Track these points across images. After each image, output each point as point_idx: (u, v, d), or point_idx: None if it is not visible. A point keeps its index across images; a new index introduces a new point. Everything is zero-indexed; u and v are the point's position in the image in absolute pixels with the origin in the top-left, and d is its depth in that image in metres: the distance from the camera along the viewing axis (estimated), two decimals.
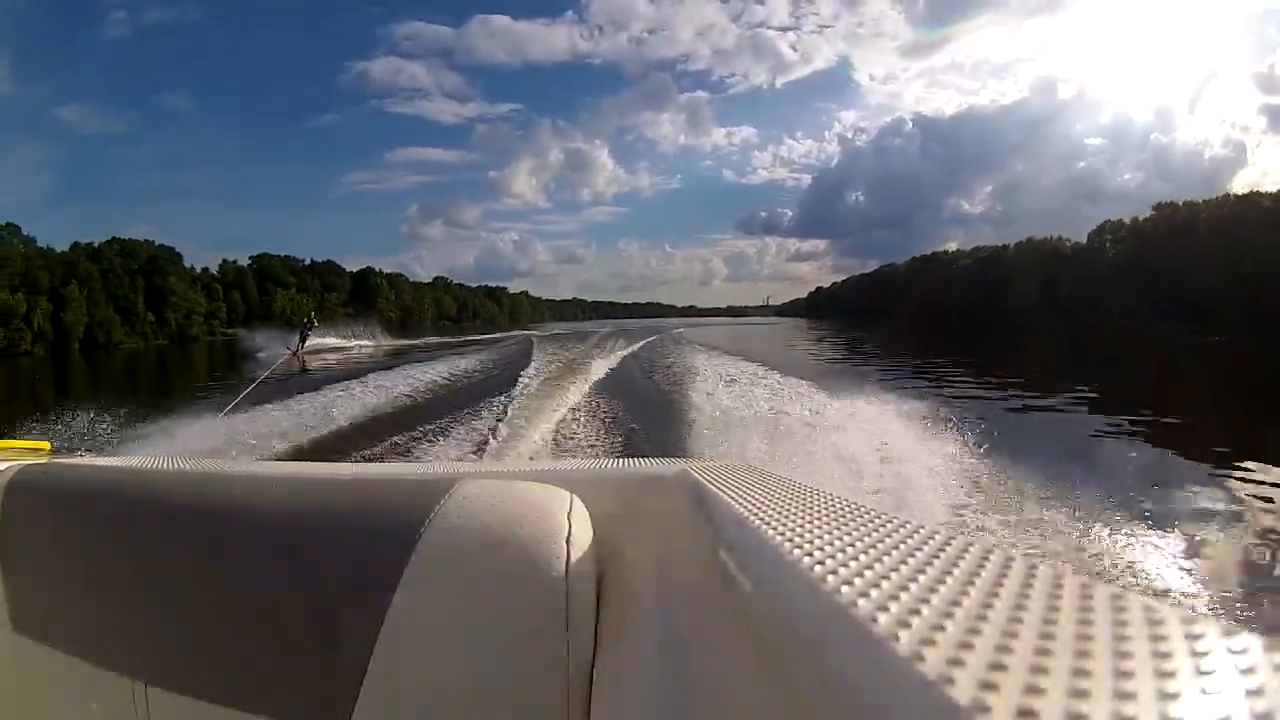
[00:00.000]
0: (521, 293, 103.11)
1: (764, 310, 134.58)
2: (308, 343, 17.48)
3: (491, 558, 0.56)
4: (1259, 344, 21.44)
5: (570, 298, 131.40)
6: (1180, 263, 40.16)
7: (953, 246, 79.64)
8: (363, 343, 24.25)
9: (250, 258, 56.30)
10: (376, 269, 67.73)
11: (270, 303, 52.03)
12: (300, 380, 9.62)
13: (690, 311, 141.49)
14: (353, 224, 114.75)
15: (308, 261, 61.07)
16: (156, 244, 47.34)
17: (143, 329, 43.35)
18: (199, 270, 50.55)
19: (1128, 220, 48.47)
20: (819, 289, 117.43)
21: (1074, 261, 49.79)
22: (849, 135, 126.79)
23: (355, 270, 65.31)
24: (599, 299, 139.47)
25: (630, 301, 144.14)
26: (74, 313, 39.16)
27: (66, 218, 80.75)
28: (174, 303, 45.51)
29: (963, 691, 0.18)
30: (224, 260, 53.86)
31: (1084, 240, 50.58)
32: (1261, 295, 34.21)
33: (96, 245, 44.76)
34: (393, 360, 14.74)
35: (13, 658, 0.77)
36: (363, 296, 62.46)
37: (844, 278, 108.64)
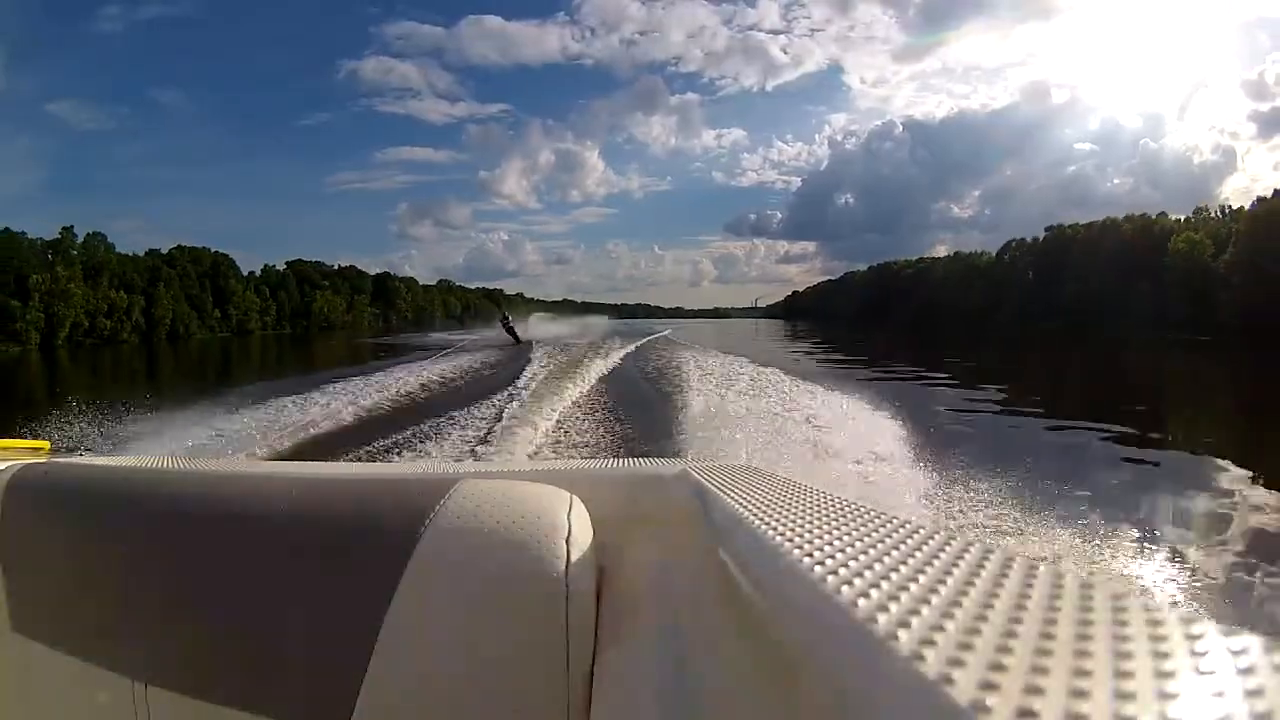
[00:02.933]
0: (517, 294, 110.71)
1: (751, 312, 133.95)
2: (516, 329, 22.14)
3: (491, 558, 0.56)
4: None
5: (561, 298, 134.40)
6: (1056, 276, 50.15)
7: (941, 250, 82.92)
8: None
9: (286, 263, 64.80)
10: (393, 273, 76.58)
11: (310, 303, 60.71)
12: (300, 380, 10.22)
13: (678, 313, 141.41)
14: (342, 222, 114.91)
15: (336, 266, 69.74)
16: (214, 251, 55.91)
17: (210, 323, 51.94)
18: (245, 274, 59.08)
19: (1029, 240, 58.46)
20: (795, 292, 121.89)
21: (986, 273, 59.71)
22: (839, 138, 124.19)
23: (374, 274, 73.99)
24: (588, 300, 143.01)
25: (619, 303, 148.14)
26: (162, 308, 47.83)
27: (57, 213, 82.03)
28: (235, 302, 54.16)
29: (963, 691, 0.18)
30: (265, 265, 62.39)
31: (1015, 254, 60.05)
32: (1104, 308, 43.89)
33: (166, 251, 53.29)
34: (402, 358, 16.15)
35: (13, 658, 0.77)
36: (383, 297, 71.12)
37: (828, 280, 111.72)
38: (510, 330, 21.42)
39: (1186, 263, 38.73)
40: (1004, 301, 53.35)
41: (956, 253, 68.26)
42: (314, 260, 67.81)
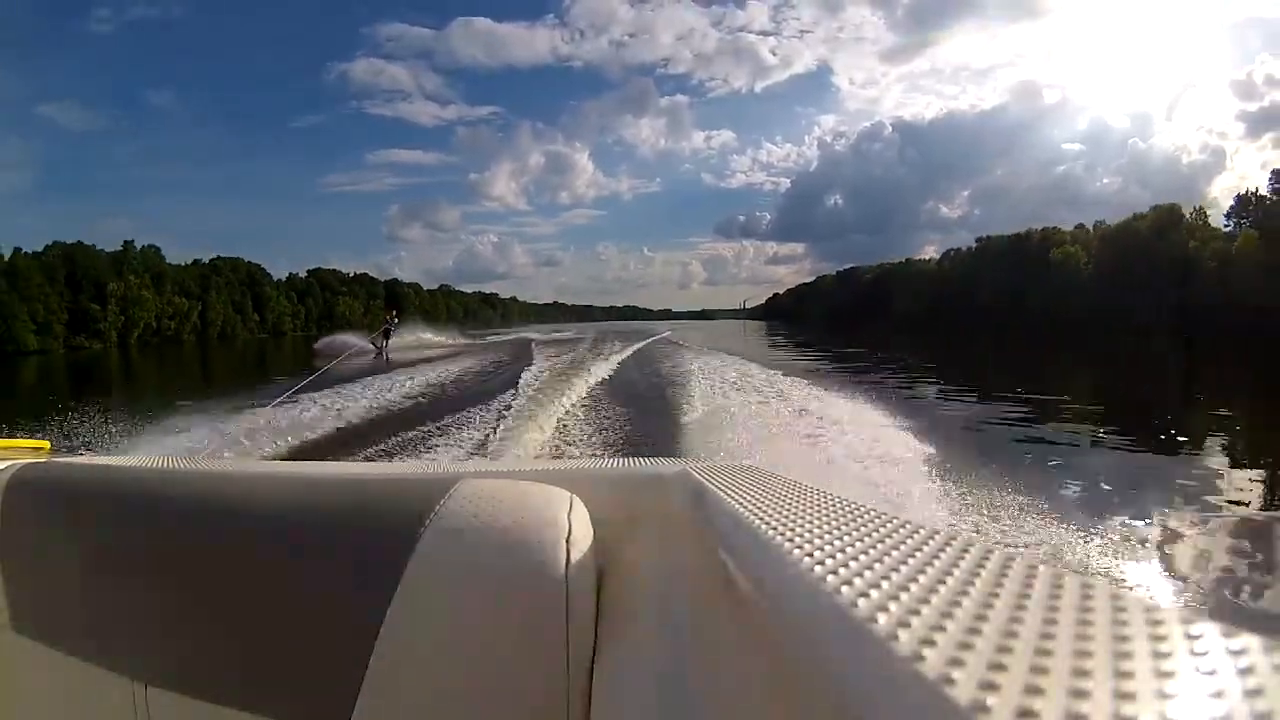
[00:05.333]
0: (511, 298, 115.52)
1: (738, 314, 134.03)
2: (390, 339, 18.75)
3: (491, 558, 0.56)
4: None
5: (551, 301, 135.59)
6: (981, 282, 58.72)
7: (930, 251, 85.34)
8: (443, 339, 28.02)
9: (308, 271, 72.37)
10: (402, 279, 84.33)
11: (333, 308, 68.38)
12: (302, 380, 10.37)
13: (666, 315, 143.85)
14: (332, 224, 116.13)
15: (352, 273, 77.44)
16: (248, 260, 63.50)
17: (251, 325, 59.51)
18: (274, 280, 66.60)
19: (963, 248, 67.04)
20: (775, 295, 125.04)
21: (933, 278, 68.25)
22: (828, 139, 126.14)
23: (385, 280, 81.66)
24: (577, 302, 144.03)
25: (608, 305, 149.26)
26: (214, 312, 55.47)
27: (52, 213, 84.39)
28: (270, 306, 61.75)
29: (963, 691, 0.18)
30: (290, 273, 69.90)
31: (963, 261, 68.39)
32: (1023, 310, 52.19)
33: (208, 260, 60.81)
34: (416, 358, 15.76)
35: (13, 658, 0.77)
36: (394, 302, 78.73)
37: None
38: (385, 334, 18.93)
39: (1063, 270, 47.45)
40: (944, 304, 61.84)
41: (908, 259, 76.96)
42: (331, 268, 75.63)
